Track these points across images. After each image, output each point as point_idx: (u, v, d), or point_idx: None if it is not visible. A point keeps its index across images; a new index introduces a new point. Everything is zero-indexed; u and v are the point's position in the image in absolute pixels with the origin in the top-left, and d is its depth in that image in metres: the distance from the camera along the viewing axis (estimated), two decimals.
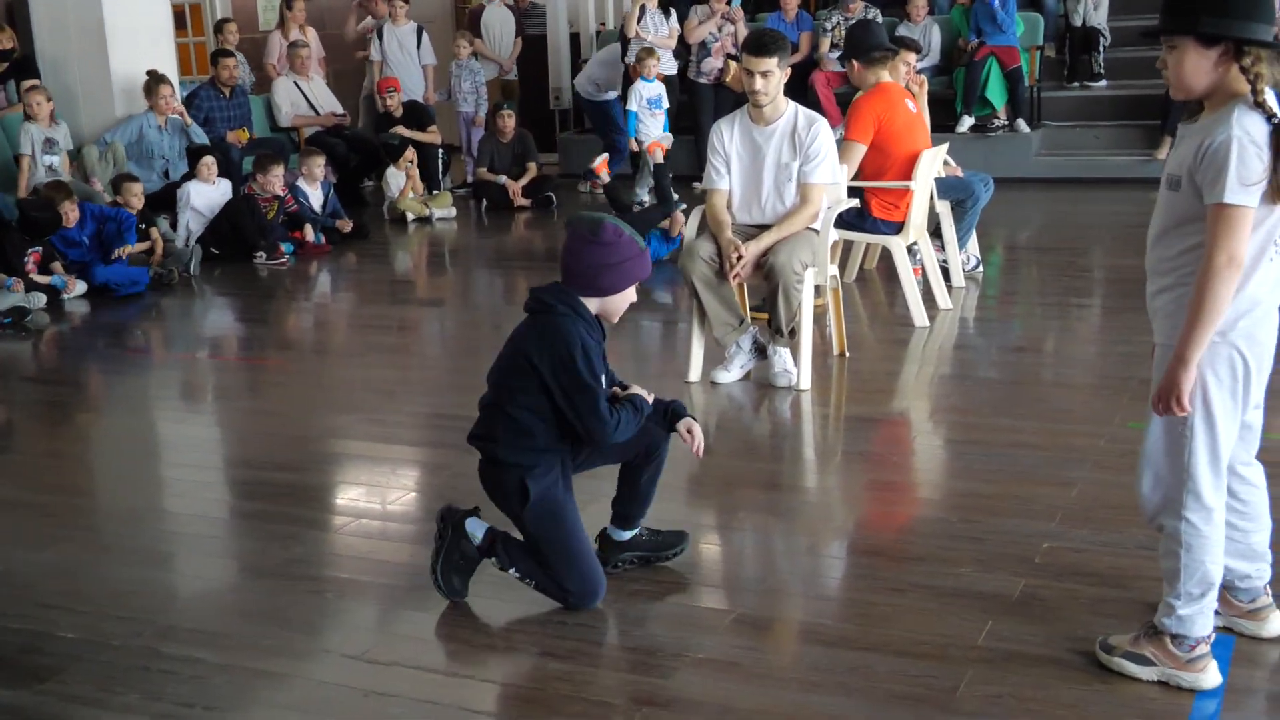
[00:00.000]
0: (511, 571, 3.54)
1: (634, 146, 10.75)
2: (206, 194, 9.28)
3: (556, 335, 3.37)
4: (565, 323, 3.39)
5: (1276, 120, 2.70)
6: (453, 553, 3.57)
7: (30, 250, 7.84)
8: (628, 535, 3.74)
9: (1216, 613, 3.06)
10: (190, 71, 12.98)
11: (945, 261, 7.26)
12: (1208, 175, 2.73)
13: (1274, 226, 2.78)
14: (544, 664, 3.28)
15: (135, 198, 8.72)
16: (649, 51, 10.93)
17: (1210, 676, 2.98)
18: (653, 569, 3.75)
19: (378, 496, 4.57)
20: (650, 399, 3.56)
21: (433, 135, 11.45)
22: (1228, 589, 3.17)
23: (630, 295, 3.48)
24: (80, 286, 8.00)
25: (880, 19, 11.37)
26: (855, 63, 6.77)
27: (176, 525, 4.39)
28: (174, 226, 9.22)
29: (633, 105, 10.72)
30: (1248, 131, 2.69)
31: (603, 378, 3.45)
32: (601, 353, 3.46)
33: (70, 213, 8.14)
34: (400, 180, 10.75)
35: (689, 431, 3.60)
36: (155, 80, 9.67)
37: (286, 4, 12.34)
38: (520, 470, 3.45)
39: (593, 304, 3.45)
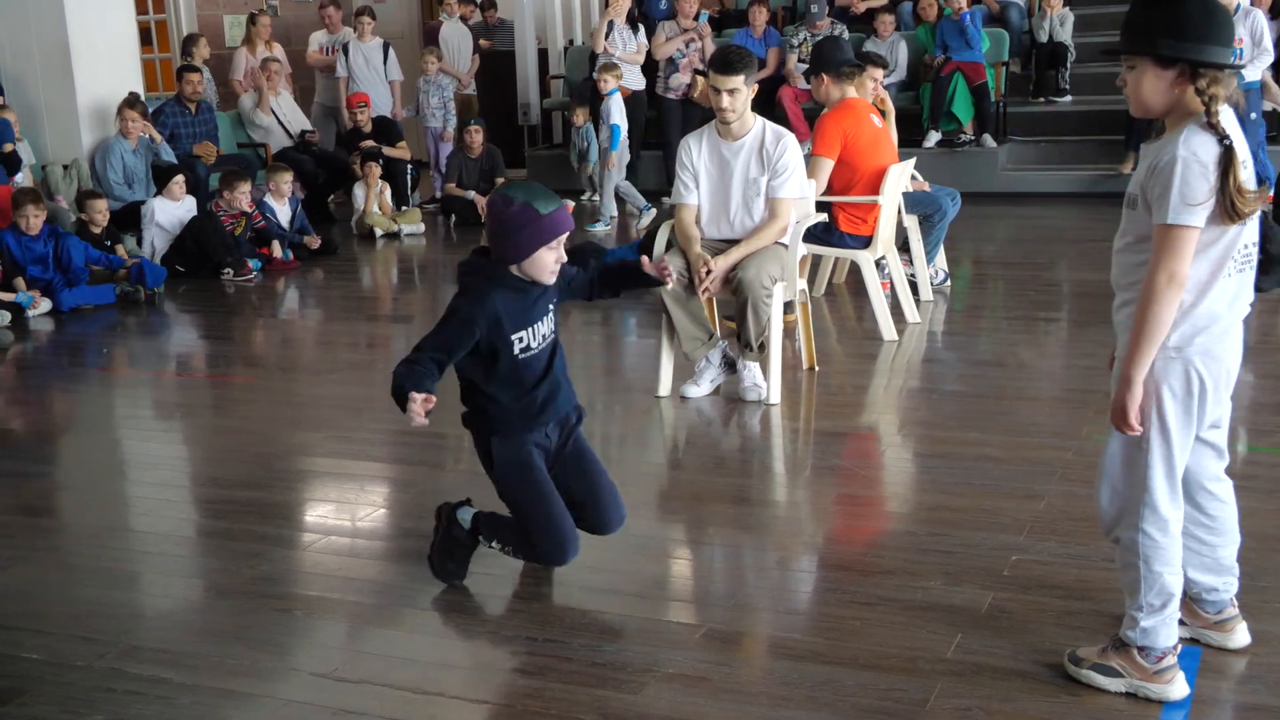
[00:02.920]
0: (494, 545, 3.74)
1: (612, 161, 10.75)
2: (171, 210, 9.23)
3: (458, 295, 3.58)
4: (468, 287, 3.56)
5: (1228, 141, 2.72)
6: (446, 540, 3.78)
7: None
8: None
9: (1183, 624, 3.08)
10: (156, 88, 12.93)
11: (913, 276, 7.30)
12: (1154, 194, 2.77)
13: (1231, 243, 2.81)
14: (514, 680, 3.26)
15: (100, 214, 8.66)
16: (608, 67, 10.96)
17: (1178, 688, 2.99)
18: (623, 580, 3.75)
19: (346, 514, 4.55)
20: (416, 402, 3.38)
21: (402, 150, 11.45)
22: (1195, 601, 3.19)
23: (542, 258, 3.50)
24: (45, 304, 7.95)
25: (847, 35, 11.45)
26: (824, 77, 6.80)
27: (141, 544, 4.35)
28: (139, 243, 9.17)
29: (617, 119, 10.71)
30: (1194, 152, 2.72)
31: (532, 329, 3.58)
32: (530, 302, 3.57)
33: (32, 218, 8.06)
34: (361, 197, 10.74)
35: (661, 271, 3.84)
36: (126, 104, 9.61)
37: (251, 20, 12.32)
38: (486, 432, 3.66)
39: (515, 270, 3.54)
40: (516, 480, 3.65)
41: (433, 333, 3.52)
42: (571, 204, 7.29)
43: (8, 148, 8.81)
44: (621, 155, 10.83)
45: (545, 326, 3.64)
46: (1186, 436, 2.90)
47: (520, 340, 3.57)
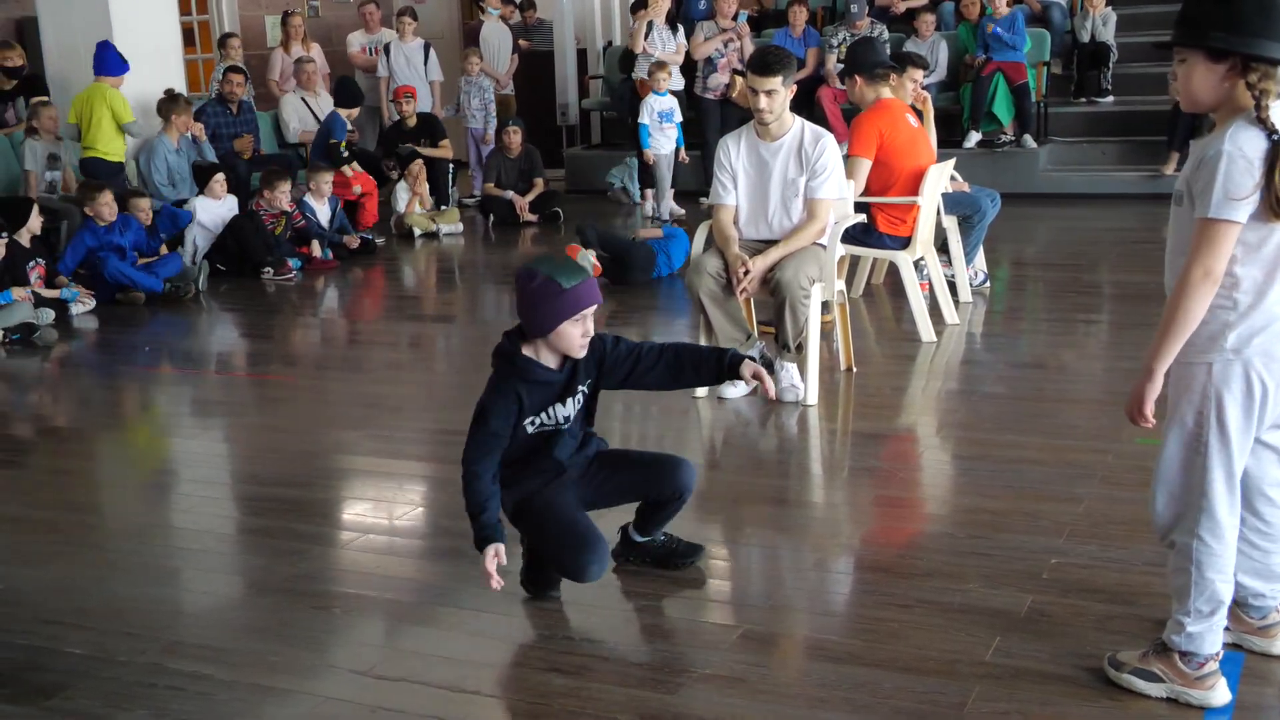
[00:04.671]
0: (545, 556, 3.71)
1: (647, 159, 10.82)
2: (213, 210, 9.30)
3: (487, 388, 3.58)
4: (494, 377, 3.58)
5: (1277, 137, 2.70)
6: (534, 557, 3.74)
7: (31, 263, 7.87)
8: (645, 539, 3.86)
9: (1226, 629, 3.04)
10: (199, 88, 13.04)
11: (952, 277, 7.26)
12: (1198, 188, 2.75)
13: None
14: (550, 679, 3.27)
15: (143, 213, 8.75)
16: (660, 65, 10.99)
17: (1219, 694, 2.96)
18: (660, 582, 3.75)
19: (384, 512, 4.57)
20: (489, 555, 3.46)
21: (444, 150, 11.49)
22: (1240, 606, 3.16)
23: (568, 332, 3.47)
24: (90, 302, 8.05)
25: (886, 36, 11.41)
26: (858, 78, 6.77)
27: (183, 541, 4.39)
28: (181, 243, 9.25)
29: (644, 119, 10.77)
30: (1239, 147, 2.70)
31: (550, 410, 3.56)
32: (553, 393, 3.55)
33: (104, 208, 8.26)
34: (408, 193, 10.79)
35: (755, 376, 3.56)
36: (170, 100, 9.70)
37: (284, 20, 12.40)
38: (507, 493, 3.63)
39: (541, 343, 3.53)
40: (532, 518, 3.64)
41: (470, 443, 3.53)
42: (599, 266, 7.42)
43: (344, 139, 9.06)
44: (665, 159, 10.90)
45: (568, 409, 3.60)
46: (1246, 441, 2.87)
47: (533, 423, 3.57)
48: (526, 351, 3.54)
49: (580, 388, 3.61)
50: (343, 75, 11.31)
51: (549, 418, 3.59)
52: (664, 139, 10.87)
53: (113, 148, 9.42)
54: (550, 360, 3.55)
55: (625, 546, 3.88)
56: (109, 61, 9.34)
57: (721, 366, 3.61)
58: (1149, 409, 2.84)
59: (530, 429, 3.57)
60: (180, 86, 10.21)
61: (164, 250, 8.75)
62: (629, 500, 3.81)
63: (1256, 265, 2.77)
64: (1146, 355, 2.83)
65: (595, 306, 3.51)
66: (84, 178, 9.18)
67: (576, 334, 3.48)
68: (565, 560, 3.58)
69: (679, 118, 10.98)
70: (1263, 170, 2.69)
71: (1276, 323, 2.81)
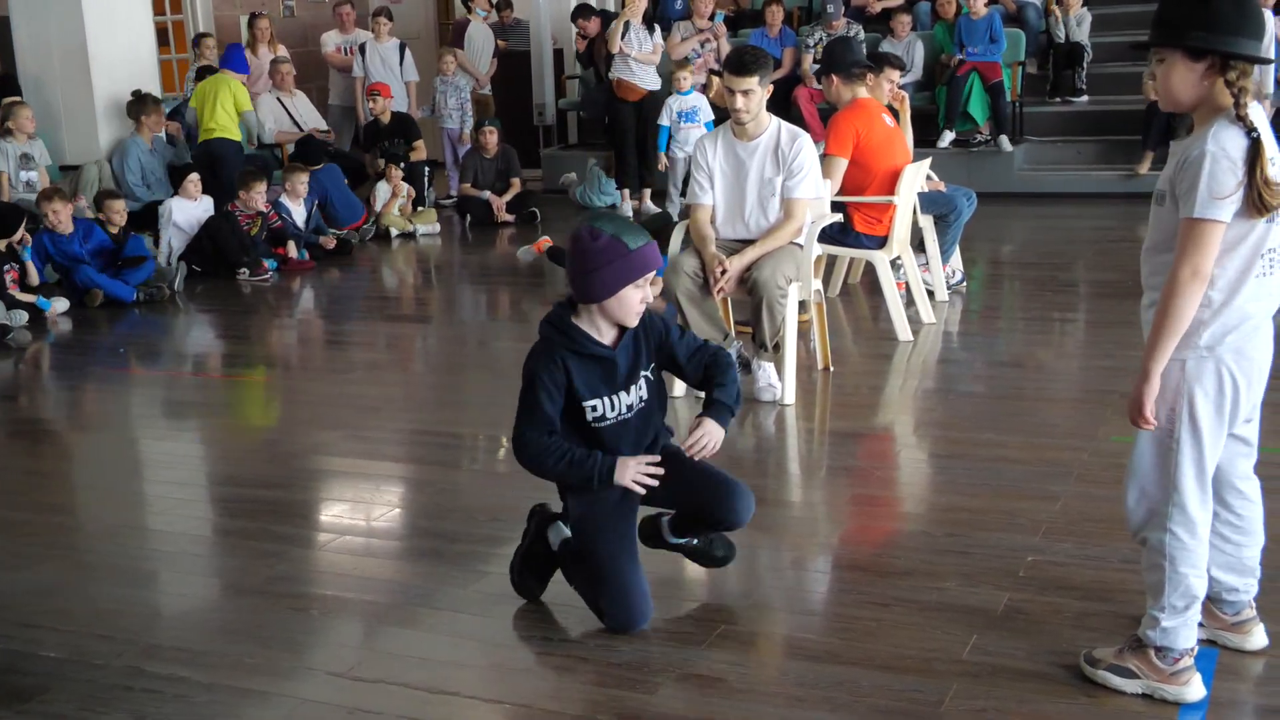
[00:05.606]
0: (573, 585, 3.56)
1: (662, 162, 10.65)
2: (188, 210, 9.26)
3: (531, 354, 3.42)
4: (540, 344, 3.41)
5: (1256, 134, 2.72)
6: (530, 551, 3.65)
7: (6, 267, 7.82)
8: (680, 540, 3.71)
9: (1201, 625, 3.07)
10: (174, 88, 12.96)
11: (929, 276, 7.28)
12: (1182, 189, 2.77)
13: (1260, 240, 2.80)
14: (529, 680, 3.27)
15: (118, 214, 8.69)
16: (682, 63, 10.86)
17: (1194, 689, 2.99)
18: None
19: (362, 513, 4.56)
20: (630, 468, 3.38)
21: (419, 151, 11.47)
22: (1214, 601, 3.18)
23: (627, 297, 3.31)
24: (64, 303, 8.00)
25: (862, 36, 11.43)
26: (834, 78, 6.78)
27: (160, 543, 4.37)
28: (157, 244, 9.21)
29: (665, 120, 10.63)
30: (1222, 146, 2.72)
31: (613, 400, 3.39)
32: (607, 374, 3.38)
33: (58, 212, 8.17)
34: (387, 193, 10.76)
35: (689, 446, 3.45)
36: (139, 101, 9.66)
37: (250, 22, 12.35)
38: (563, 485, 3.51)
39: (596, 312, 3.37)
40: (591, 539, 3.44)
41: (518, 418, 3.37)
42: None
43: None
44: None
45: (631, 397, 3.42)
46: (1218, 437, 2.90)
47: (594, 409, 3.39)
48: (578, 323, 3.37)
49: (643, 373, 3.44)
50: (305, 137, 11.22)
51: (609, 407, 3.40)
52: (686, 139, 10.61)
53: (232, 130, 10.19)
54: (604, 333, 3.39)
55: (654, 538, 3.70)
56: (235, 60, 10.46)
57: (706, 406, 3.51)
58: (1149, 410, 2.85)
59: (591, 417, 3.38)
60: (155, 87, 10.17)
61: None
62: (680, 512, 3.65)
63: (1232, 263, 2.80)
64: (1143, 357, 2.85)
65: (656, 272, 3.37)
66: (183, 162, 9.89)
67: (635, 299, 3.32)
68: (609, 609, 3.42)
69: (707, 116, 10.58)
70: (1244, 168, 2.72)
71: (1249, 321, 2.84)
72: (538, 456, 3.38)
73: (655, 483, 3.37)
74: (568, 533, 3.59)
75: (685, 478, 3.49)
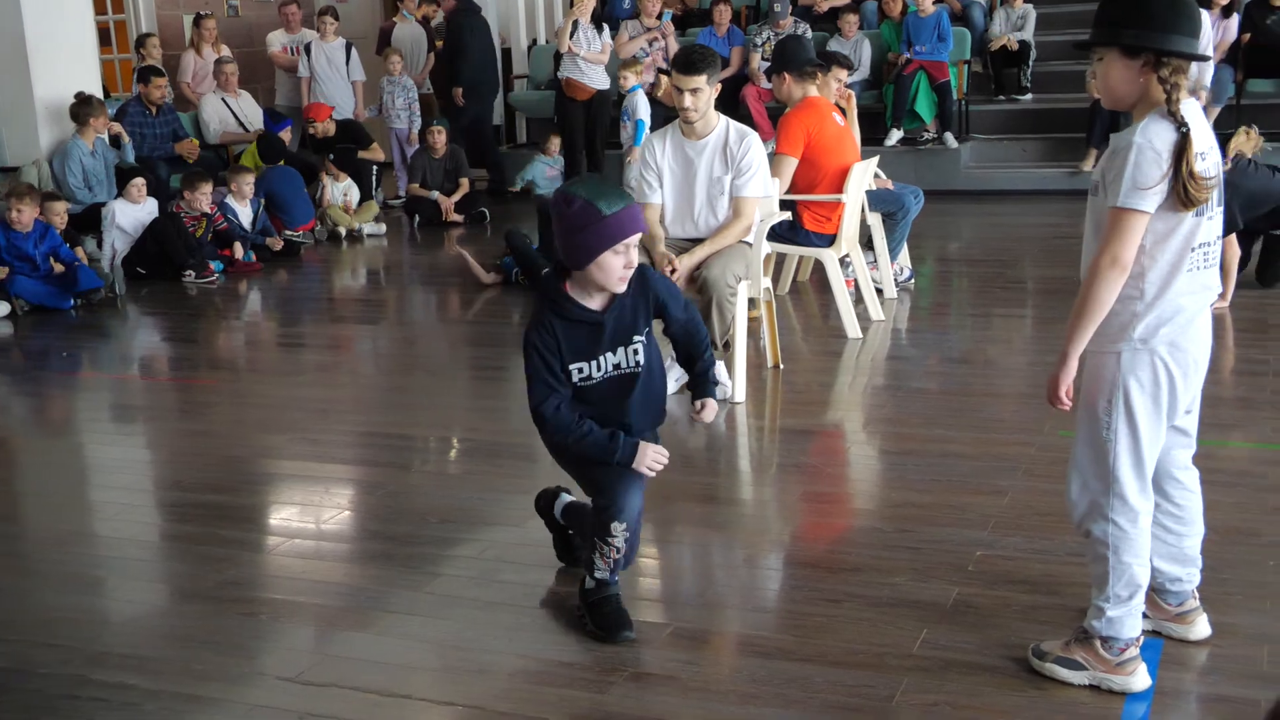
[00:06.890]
0: (572, 535, 3.79)
1: (634, 156, 10.62)
2: (132, 213, 9.15)
3: (528, 325, 3.37)
4: (535, 315, 3.35)
5: (1185, 129, 2.77)
6: (557, 542, 3.83)
7: None
8: (563, 525, 3.82)
9: (1145, 616, 3.11)
10: (116, 89, 12.82)
11: (878, 274, 7.33)
12: (1109, 178, 2.84)
13: (1190, 234, 2.85)
14: (481, 681, 3.26)
15: (58, 216, 8.58)
16: (629, 63, 10.84)
17: (1140, 679, 3.03)
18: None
19: (311, 516, 4.53)
20: (648, 455, 3.38)
21: (375, 153, 11.44)
22: (1157, 592, 3.23)
23: (608, 264, 3.20)
24: (3, 307, 7.89)
25: (810, 34, 11.49)
26: (786, 76, 6.81)
27: (106, 549, 4.31)
28: (100, 246, 9.09)
29: (643, 115, 10.62)
30: (1149, 139, 2.79)
31: (597, 360, 3.33)
32: (597, 334, 3.31)
33: (23, 211, 8.06)
34: (333, 190, 10.69)
35: (698, 413, 3.54)
36: (83, 104, 9.52)
37: (195, 23, 12.24)
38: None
39: (582, 278, 3.29)
40: (603, 469, 3.40)
41: (529, 388, 3.33)
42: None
43: None
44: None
45: (619, 357, 3.35)
46: (1155, 429, 2.94)
47: (580, 370, 3.33)
48: (569, 289, 3.30)
49: (638, 338, 3.35)
50: (265, 133, 11.14)
51: (595, 368, 3.33)
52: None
53: None
54: (592, 300, 3.30)
55: (546, 511, 3.83)
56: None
57: (694, 388, 3.57)
58: (1063, 391, 2.95)
59: (577, 379, 3.32)
60: (96, 87, 10.02)
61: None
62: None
63: (1163, 257, 2.86)
64: (1064, 340, 2.92)
65: (639, 236, 3.25)
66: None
67: (618, 265, 3.21)
68: (606, 501, 3.37)
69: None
70: (1170, 160, 2.77)
71: (1182, 314, 2.89)
72: (559, 432, 3.35)
73: (660, 468, 3.42)
74: (568, 498, 3.77)
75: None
